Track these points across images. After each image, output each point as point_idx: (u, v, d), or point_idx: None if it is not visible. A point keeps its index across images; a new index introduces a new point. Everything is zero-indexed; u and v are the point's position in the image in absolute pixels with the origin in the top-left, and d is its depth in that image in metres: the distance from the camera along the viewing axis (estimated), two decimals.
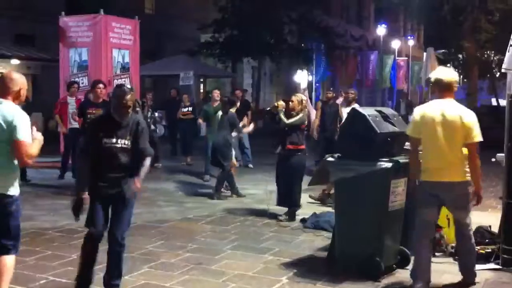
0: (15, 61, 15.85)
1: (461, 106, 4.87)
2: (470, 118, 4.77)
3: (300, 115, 7.55)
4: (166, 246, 6.18)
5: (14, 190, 4.09)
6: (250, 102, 21.41)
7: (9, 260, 4.10)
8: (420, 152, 4.90)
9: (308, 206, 8.24)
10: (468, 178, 4.87)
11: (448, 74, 4.97)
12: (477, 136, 4.77)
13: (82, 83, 11.51)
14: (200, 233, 6.81)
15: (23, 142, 3.98)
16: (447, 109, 4.77)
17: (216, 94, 11.04)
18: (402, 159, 5.28)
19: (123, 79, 12.23)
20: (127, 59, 12.33)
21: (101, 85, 9.07)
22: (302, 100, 7.65)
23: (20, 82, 4.15)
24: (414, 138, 4.91)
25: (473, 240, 5.02)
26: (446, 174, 4.78)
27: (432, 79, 4.96)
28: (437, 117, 4.76)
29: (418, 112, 4.89)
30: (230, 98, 10.36)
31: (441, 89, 4.88)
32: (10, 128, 3.98)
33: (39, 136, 4.17)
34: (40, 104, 14.51)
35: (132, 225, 7.06)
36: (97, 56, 11.76)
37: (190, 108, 13.78)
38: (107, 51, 11.84)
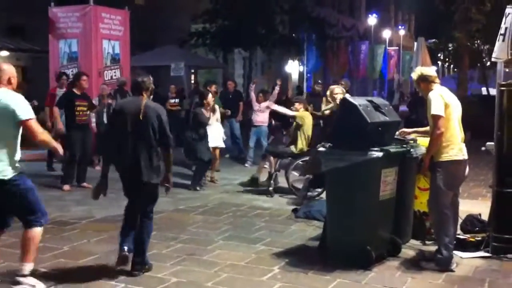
0: (4, 53, 15.70)
1: None
2: None
3: (331, 104, 7.92)
4: (158, 237, 6.17)
5: (11, 172, 4.32)
6: (242, 92, 21.38)
7: (33, 233, 4.44)
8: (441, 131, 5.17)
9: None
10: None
11: (430, 70, 5.73)
12: None
13: (72, 74, 11.44)
14: (192, 224, 6.82)
15: (29, 121, 4.29)
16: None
17: (214, 87, 11.25)
18: (393, 149, 5.30)
19: (114, 70, 12.18)
20: (117, 50, 12.26)
21: (85, 77, 9.13)
22: (332, 93, 8.00)
23: (8, 71, 4.42)
24: (443, 118, 5.16)
25: None
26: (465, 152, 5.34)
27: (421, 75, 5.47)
28: (454, 101, 5.33)
29: (439, 94, 5.25)
30: (200, 91, 10.29)
31: (432, 81, 5.40)
32: (8, 112, 4.25)
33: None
34: (30, 96, 14.40)
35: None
36: (87, 47, 11.68)
37: (177, 100, 13.71)
38: (97, 42, 11.78)
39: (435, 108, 5.16)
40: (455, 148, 5.22)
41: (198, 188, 9.04)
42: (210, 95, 9.47)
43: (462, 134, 5.34)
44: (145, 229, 5.05)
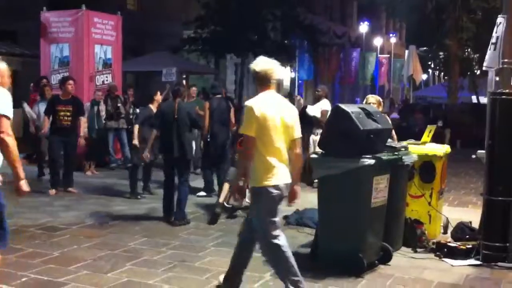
0: None
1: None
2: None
3: None
4: (149, 243, 6.15)
5: None
6: (233, 99, 21.38)
7: None
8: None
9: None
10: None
11: (264, 64, 4.59)
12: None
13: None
14: (184, 230, 6.79)
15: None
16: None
17: (193, 90, 11.30)
18: (385, 156, 5.32)
19: (105, 75, 12.15)
20: (109, 55, 12.24)
21: (71, 81, 9.11)
22: (380, 101, 7.70)
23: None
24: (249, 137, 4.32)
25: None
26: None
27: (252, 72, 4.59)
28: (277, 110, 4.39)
29: (252, 105, 4.34)
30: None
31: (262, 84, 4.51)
32: None
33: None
34: (20, 100, 14.32)
35: (115, 222, 7.08)
36: (79, 51, 11.66)
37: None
38: (89, 47, 11.75)
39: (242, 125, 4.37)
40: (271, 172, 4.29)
41: (139, 197, 8.62)
42: (159, 92, 8.93)
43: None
44: (183, 192, 7.18)
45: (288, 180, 4.37)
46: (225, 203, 7.42)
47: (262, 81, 4.50)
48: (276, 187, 4.28)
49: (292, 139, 4.40)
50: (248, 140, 4.29)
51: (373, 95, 8.34)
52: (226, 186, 7.54)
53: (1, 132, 3.74)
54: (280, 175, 4.31)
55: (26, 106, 11.15)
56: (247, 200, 7.16)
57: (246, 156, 4.36)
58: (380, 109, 7.66)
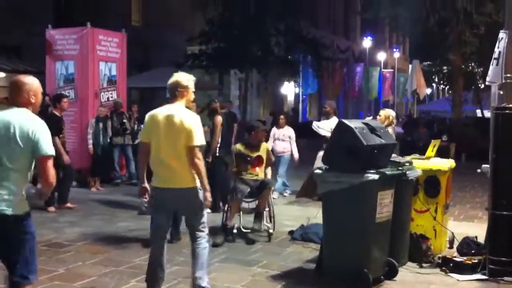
0: (1, 74, 15.76)
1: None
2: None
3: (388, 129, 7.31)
4: None
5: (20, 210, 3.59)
6: (237, 114, 21.40)
7: None
8: None
9: (295, 218, 8.25)
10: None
11: (177, 77, 4.86)
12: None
13: (69, 95, 11.47)
14: (188, 246, 6.74)
15: (48, 158, 3.53)
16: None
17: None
18: (389, 171, 5.32)
19: (110, 92, 12.22)
20: (114, 72, 12.32)
21: (66, 99, 9.16)
22: (389, 116, 7.77)
23: (32, 87, 3.67)
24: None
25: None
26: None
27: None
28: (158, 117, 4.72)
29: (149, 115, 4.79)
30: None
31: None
32: (30, 141, 3.50)
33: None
34: None
35: (120, 237, 7.07)
36: (84, 69, 11.73)
37: None
38: (94, 64, 11.83)
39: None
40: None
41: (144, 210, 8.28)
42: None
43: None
44: None
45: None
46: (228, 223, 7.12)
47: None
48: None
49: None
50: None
51: (385, 109, 8.36)
52: (233, 208, 7.13)
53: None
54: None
55: None
56: (265, 223, 7.18)
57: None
58: (387, 122, 7.66)
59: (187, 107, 4.87)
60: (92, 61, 11.77)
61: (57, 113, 8.94)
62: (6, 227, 3.51)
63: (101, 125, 11.20)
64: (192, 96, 4.86)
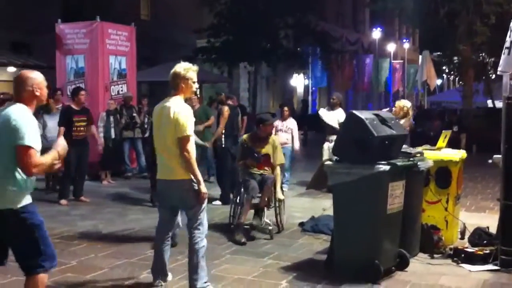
0: (11, 69, 15.84)
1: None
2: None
3: (402, 121, 7.27)
4: None
5: (14, 203, 3.61)
6: (247, 106, 21.41)
7: (38, 280, 3.70)
8: None
9: (305, 210, 8.26)
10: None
11: (175, 68, 4.69)
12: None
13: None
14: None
15: (24, 148, 3.50)
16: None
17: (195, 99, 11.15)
18: (399, 162, 5.30)
19: (120, 86, 12.25)
20: (124, 66, 12.35)
21: (83, 92, 9.25)
22: (404, 107, 7.71)
23: (34, 81, 3.70)
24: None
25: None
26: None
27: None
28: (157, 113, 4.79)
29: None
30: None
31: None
32: (10, 132, 3.52)
33: (62, 144, 3.79)
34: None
35: (132, 231, 7.12)
36: (94, 62, 11.77)
37: None
38: (104, 58, 11.86)
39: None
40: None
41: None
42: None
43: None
44: None
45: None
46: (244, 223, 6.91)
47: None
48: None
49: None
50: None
51: (401, 100, 8.34)
52: (246, 205, 6.90)
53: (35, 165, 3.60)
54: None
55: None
56: (265, 220, 7.15)
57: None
58: (402, 114, 7.61)
59: (187, 98, 4.83)
60: (102, 55, 11.80)
61: (74, 106, 9.03)
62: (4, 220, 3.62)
63: (111, 118, 11.25)
64: (193, 87, 4.68)
